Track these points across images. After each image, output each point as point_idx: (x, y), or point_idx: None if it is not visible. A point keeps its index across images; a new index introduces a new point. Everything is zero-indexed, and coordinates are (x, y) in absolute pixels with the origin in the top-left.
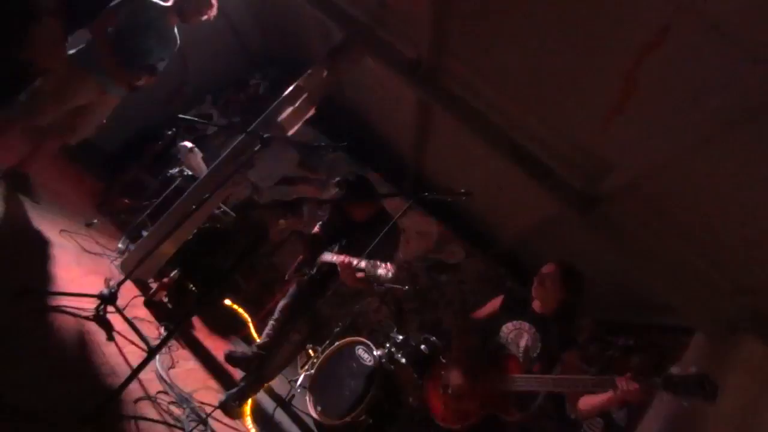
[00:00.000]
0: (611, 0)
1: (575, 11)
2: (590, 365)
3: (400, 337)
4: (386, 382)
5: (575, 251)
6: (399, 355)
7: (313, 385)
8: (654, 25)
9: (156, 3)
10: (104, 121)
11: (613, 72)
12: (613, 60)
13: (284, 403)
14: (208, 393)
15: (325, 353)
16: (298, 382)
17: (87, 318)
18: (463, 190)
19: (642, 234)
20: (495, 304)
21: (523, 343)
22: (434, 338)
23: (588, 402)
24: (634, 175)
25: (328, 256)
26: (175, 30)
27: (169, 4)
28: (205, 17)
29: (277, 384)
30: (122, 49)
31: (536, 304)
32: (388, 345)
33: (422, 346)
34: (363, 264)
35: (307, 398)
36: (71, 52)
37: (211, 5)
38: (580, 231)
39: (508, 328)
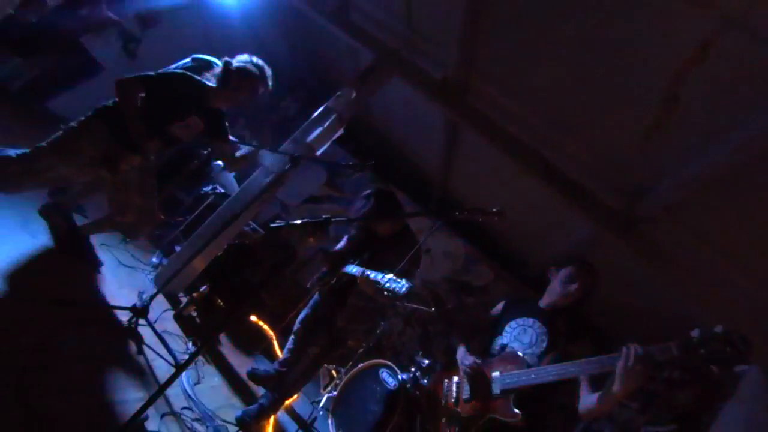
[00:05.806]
0: (649, 16)
1: (612, 26)
2: (629, 400)
3: (426, 361)
4: (409, 408)
5: (613, 273)
6: (424, 381)
7: (336, 409)
8: (697, 39)
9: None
10: None
11: (654, 88)
12: (653, 76)
13: (306, 425)
14: (231, 411)
15: (348, 375)
16: (321, 404)
17: (119, 329)
18: (494, 210)
19: (686, 257)
20: (498, 309)
21: (527, 339)
22: None
23: (586, 406)
24: (677, 196)
25: (350, 268)
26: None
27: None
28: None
29: (300, 405)
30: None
31: (545, 300)
32: (413, 369)
33: None
34: (380, 278)
35: (329, 422)
36: None
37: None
38: (618, 252)
39: (511, 327)
